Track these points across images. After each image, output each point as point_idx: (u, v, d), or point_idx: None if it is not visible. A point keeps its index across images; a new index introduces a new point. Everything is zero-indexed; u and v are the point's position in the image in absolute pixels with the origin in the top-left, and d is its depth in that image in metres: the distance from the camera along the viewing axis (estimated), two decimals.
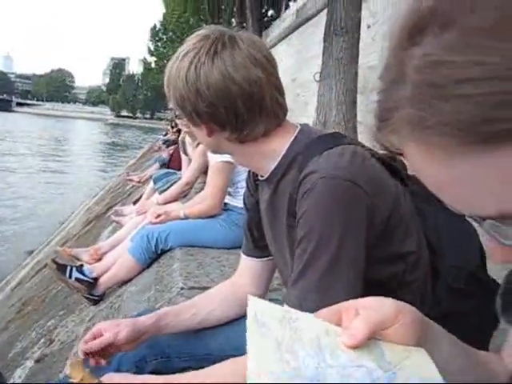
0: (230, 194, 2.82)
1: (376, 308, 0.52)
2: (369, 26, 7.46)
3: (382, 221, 0.98)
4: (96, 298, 2.74)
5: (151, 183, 4.76)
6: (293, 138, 1.11)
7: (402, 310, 0.53)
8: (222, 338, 1.36)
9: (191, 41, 1.06)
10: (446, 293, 1.08)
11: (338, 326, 0.52)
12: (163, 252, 2.76)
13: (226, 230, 2.69)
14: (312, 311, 0.54)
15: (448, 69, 0.31)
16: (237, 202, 2.72)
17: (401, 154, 0.41)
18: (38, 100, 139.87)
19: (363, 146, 1.05)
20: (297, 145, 1.09)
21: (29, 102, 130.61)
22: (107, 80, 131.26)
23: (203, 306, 1.37)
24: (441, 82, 0.32)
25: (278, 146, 1.10)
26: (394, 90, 0.36)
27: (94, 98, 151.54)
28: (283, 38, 16.77)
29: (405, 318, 0.52)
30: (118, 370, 1.30)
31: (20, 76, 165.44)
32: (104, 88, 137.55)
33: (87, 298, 2.74)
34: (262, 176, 1.16)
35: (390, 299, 0.55)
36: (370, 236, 0.96)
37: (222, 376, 1.00)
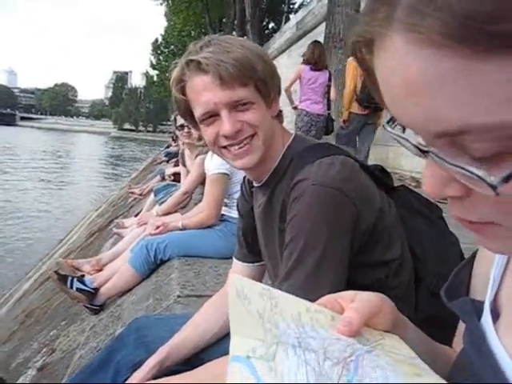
0: (226, 205, 2.89)
1: (365, 300, 0.59)
2: None
3: (367, 229, 1.04)
4: (97, 307, 2.80)
5: (152, 195, 4.84)
6: (288, 144, 1.18)
7: (383, 301, 0.61)
8: (221, 344, 1.38)
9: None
10: (427, 298, 1.14)
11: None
12: (162, 262, 2.82)
13: (223, 240, 2.75)
14: None
15: None
16: (233, 212, 2.79)
17: (367, 71, 0.40)
18: (41, 114, 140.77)
19: (352, 157, 1.12)
20: (291, 152, 1.15)
21: (32, 115, 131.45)
22: (110, 93, 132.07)
23: (200, 321, 1.39)
24: None
25: (278, 148, 1.17)
26: None
27: (97, 111, 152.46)
28: (284, 51, 16.93)
29: (386, 308, 0.60)
30: (115, 377, 1.35)
31: (24, 90, 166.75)
32: (106, 101, 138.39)
33: (88, 308, 2.79)
34: (258, 182, 1.22)
35: (375, 293, 0.62)
36: (355, 243, 1.03)
37: (215, 373, 1.03)
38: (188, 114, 1.16)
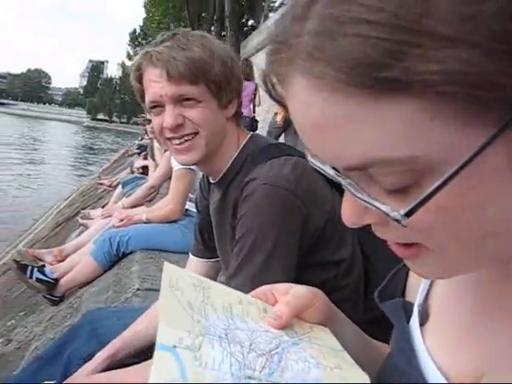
0: (191, 200, 2.90)
1: (298, 293, 0.61)
2: None
3: (317, 230, 1.07)
4: (56, 298, 2.78)
5: (120, 187, 4.80)
6: (243, 144, 1.21)
7: (316, 295, 0.62)
8: None
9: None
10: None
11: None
12: (124, 255, 2.82)
13: (187, 235, 2.75)
14: None
15: (354, 7, 0.32)
16: None
17: (281, 103, 0.42)
18: (12, 99, 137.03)
19: (306, 158, 1.14)
20: (246, 151, 1.18)
21: (3, 101, 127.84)
22: (84, 82, 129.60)
23: (154, 315, 1.39)
24: (343, 18, 0.32)
25: (233, 147, 1.20)
26: (295, 25, 0.36)
27: (71, 100, 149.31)
28: (261, 48, 16.94)
29: (318, 302, 0.61)
30: (67, 368, 1.35)
31: None
32: (81, 90, 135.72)
33: (47, 299, 2.77)
34: (213, 179, 1.25)
35: (309, 287, 0.63)
36: (304, 243, 1.05)
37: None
38: (144, 101, 1.20)
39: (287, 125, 6.76)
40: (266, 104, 8.68)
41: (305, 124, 0.38)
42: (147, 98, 1.16)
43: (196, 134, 1.13)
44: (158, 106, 1.14)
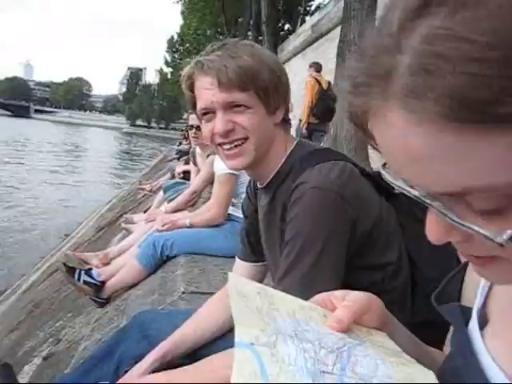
0: (233, 205, 2.93)
1: (355, 298, 0.62)
2: None
3: (364, 233, 1.08)
4: (103, 300, 2.85)
5: (161, 192, 4.89)
6: (290, 149, 1.23)
7: (372, 300, 0.64)
8: (220, 341, 1.40)
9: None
10: (424, 302, 1.16)
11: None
12: (168, 259, 2.86)
13: (229, 239, 2.78)
14: None
15: (463, 44, 0.31)
16: (240, 212, 2.81)
17: (364, 130, 0.42)
18: (55, 107, 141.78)
19: (353, 163, 1.16)
20: (293, 156, 1.20)
21: (46, 108, 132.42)
22: (124, 89, 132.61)
23: (201, 318, 1.41)
24: (452, 56, 0.31)
25: (280, 152, 1.22)
26: (387, 57, 0.36)
27: (110, 106, 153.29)
28: (298, 52, 16.92)
29: (375, 307, 0.63)
30: (117, 368, 1.39)
31: (39, 83, 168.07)
32: (120, 97, 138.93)
33: (94, 301, 2.84)
34: (261, 184, 1.27)
35: (365, 293, 0.65)
36: (351, 246, 1.07)
37: (215, 366, 1.06)
38: (196, 108, 1.23)
39: (310, 133, 7.04)
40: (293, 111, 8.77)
41: (399, 154, 0.38)
42: (199, 105, 1.19)
43: (246, 139, 1.16)
44: (209, 112, 1.17)
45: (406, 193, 0.41)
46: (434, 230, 0.41)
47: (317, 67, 7.73)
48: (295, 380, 0.43)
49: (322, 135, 7.41)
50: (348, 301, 0.61)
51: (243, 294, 0.54)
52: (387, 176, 0.43)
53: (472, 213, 0.37)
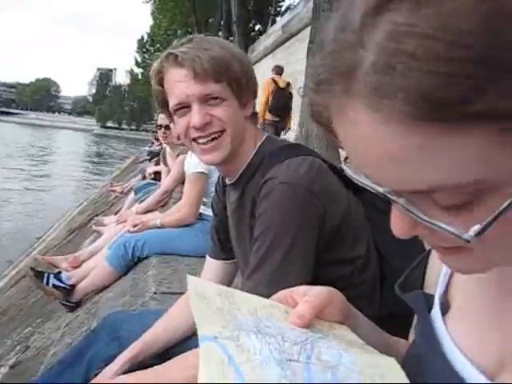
0: (204, 204, 2.92)
1: (316, 293, 0.62)
2: None
3: (333, 227, 1.09)
4: (72, 304, 2.80)
5: (132, 193, 4.84)
6: (259, 144, 1.22)
7: (334, 294, 0.64)
8: (192, 340, 1.38)
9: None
10: (391, 295, 1.18)
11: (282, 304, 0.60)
12: (140, 260, 2.83)
13: (201, 238, 2.76)
14: None
15: (430, 42, 0.30)
16: (211, 211, 2.81)
17: (329, 129, 0.41)
18: (22, 109, 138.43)
19: (321, 158, 1.16)
20: (263, 151, 1.20)
21: (13, 110, 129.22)
22: (93, 90, 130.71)
23: (172, 318, 1.41)
24: (418, 54, 0.31)
25: (250, 146, 1.21)
26: (349, 53, 0.35)
27: (80, 108, 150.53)
28: (269, 53, 16.99)
29: (336, 301, 0.63)
30: (87, 371, 1.36)
31: (4, 84, 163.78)
32: (90, 98, 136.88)
33: (64, 305, 2.79)
34: (230, 180, 1.26)
35: (326, 287, 0.65)
36: (320, 240, 1.07)
37: (186, 364, 1.05)
38: (165, 105, 1.21)
39: (265, 129, 7.29)
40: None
41: (366, 154, 0.37)
42: (172, 100, 1.16)
43: (222, 132, 1.15)
44: (183, 107, 1.15)
45: (369, 189, 0.41)
46: (398, 225, 0.41)
47: (278, 70, 8.22)
48: (263, 368, 0.43)
49: (282, 130, 8.27)
50: (309, 296, 0.61)
51: (203, 296, 0.54)
52: (349, 171, 0.43)
53: (438, 209, 0.37)
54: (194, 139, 1.16)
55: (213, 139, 1.15)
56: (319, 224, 1.06)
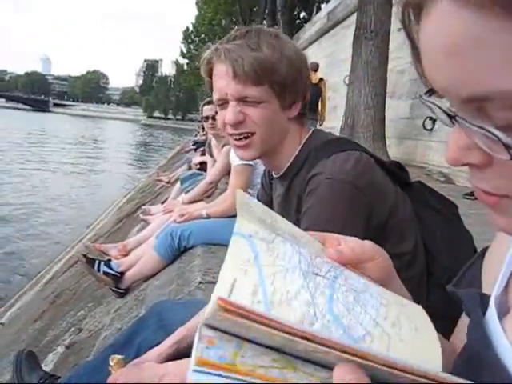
0: (249, 195, 2.93)
1: (361, 242, 0.61)
2: (399, 30, 7.47)
3: (379, 223, 1.08)
4: (122, 291, 2.90)
5: (178, 183, 4.92)
6: (305, 139, 1.22)
7: (380, 252, 0.61)
8: None
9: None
10: (438, 292, 1.16)
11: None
12: (186, 249, 2.89)
13: None
14: None
15: None
16: None
17: (412, 41, 0.43)
18: (73, 101, 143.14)
19: (368, 153, 1.15)
20: (308, 146, 1.20)
21: (65, 102, 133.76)
22: (140, 81, 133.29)
23: None
24: None
25: (295, 144, 1.22)
26: None
27: (128, 98, 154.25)
28: (314, 41, 16.77)
29: (380, 258, 0.60)
30: (136, 356, 1.41)
31: (57, 77, 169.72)
32: (137, 89, 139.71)
33: (114, 291, 2.89)
34: (276, 174, 1.27)
35: (371, 242, 0.63)
36: (366, 236, 1.06)
37: None
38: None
39: None
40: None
41: (436, 47, 0.38)
42: (214, 94, 1.19)
43: (253, 134, 1.16)
44: (223, 102, 1.17)
45: (435, 107, 0.42)
46: (453, 149, 0.41)
47: (312, 66, 8.36)
48: (287, 275, 0.43)
49: (312, 123, 8.41)
50: (353, 242, 0.60)
51: (249, 205, 0.54)
52: (423, 96, 0.44)
53: (494, 127, 0.37)
54: (230, 134, 1.19)
55: (244, 138, 1.17)
56: (366, 219, 1.05)
